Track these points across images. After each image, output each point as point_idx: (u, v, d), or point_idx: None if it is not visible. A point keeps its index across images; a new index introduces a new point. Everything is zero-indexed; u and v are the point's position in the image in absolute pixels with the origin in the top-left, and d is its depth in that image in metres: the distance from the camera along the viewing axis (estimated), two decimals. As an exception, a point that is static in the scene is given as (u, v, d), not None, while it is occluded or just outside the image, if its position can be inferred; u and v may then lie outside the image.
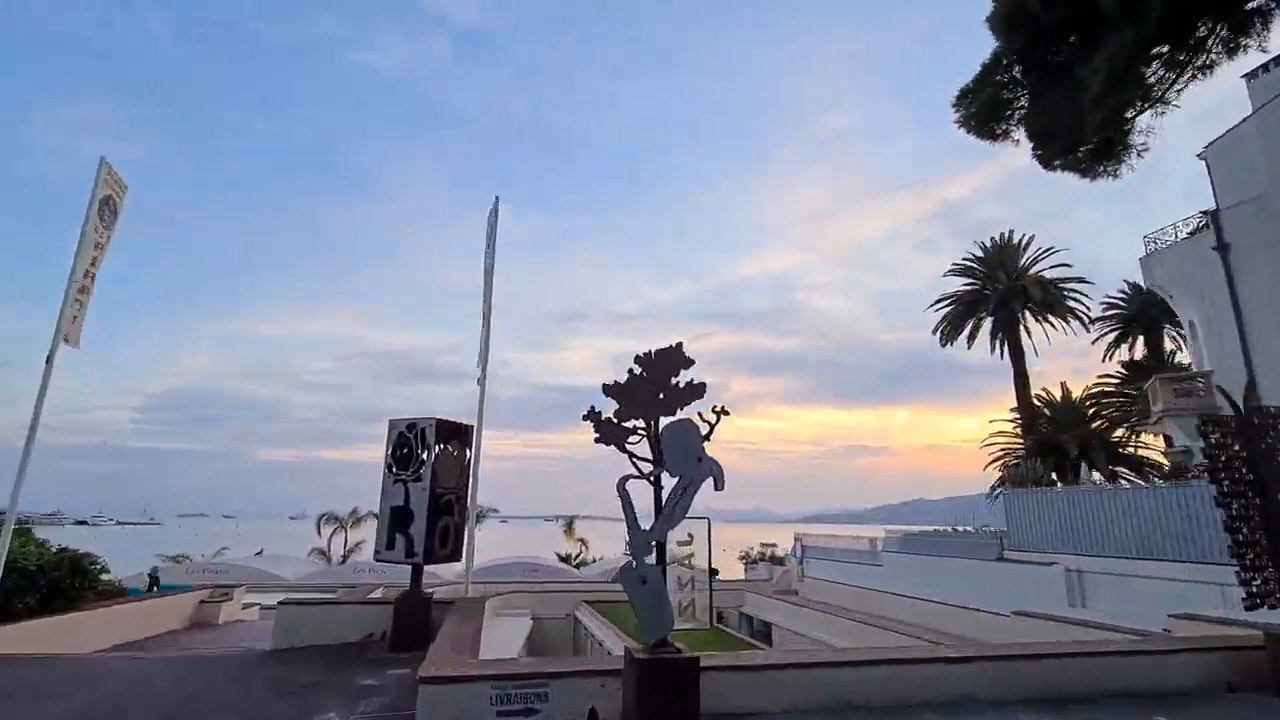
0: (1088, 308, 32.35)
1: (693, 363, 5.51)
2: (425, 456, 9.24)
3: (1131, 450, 31.65)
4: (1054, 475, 17.63)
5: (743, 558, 35.32)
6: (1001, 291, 31.67)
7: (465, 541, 9.85)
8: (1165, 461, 30.85)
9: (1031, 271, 32.26)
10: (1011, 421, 34.33)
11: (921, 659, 5.98)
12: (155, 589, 18.55)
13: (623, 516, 5.12)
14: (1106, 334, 36.88)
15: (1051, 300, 31.07)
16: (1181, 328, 34.51)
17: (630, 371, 5.46)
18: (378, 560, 9.29)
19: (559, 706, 5.23)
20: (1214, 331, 16.80)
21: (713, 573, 5.12)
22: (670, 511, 5.16)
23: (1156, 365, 34.95)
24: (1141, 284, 35.76)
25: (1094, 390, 34.18)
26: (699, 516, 4.97)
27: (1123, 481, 28.13)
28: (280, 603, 10.07)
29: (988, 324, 33.38)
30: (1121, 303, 35.91)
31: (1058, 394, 33.82)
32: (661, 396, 5.44)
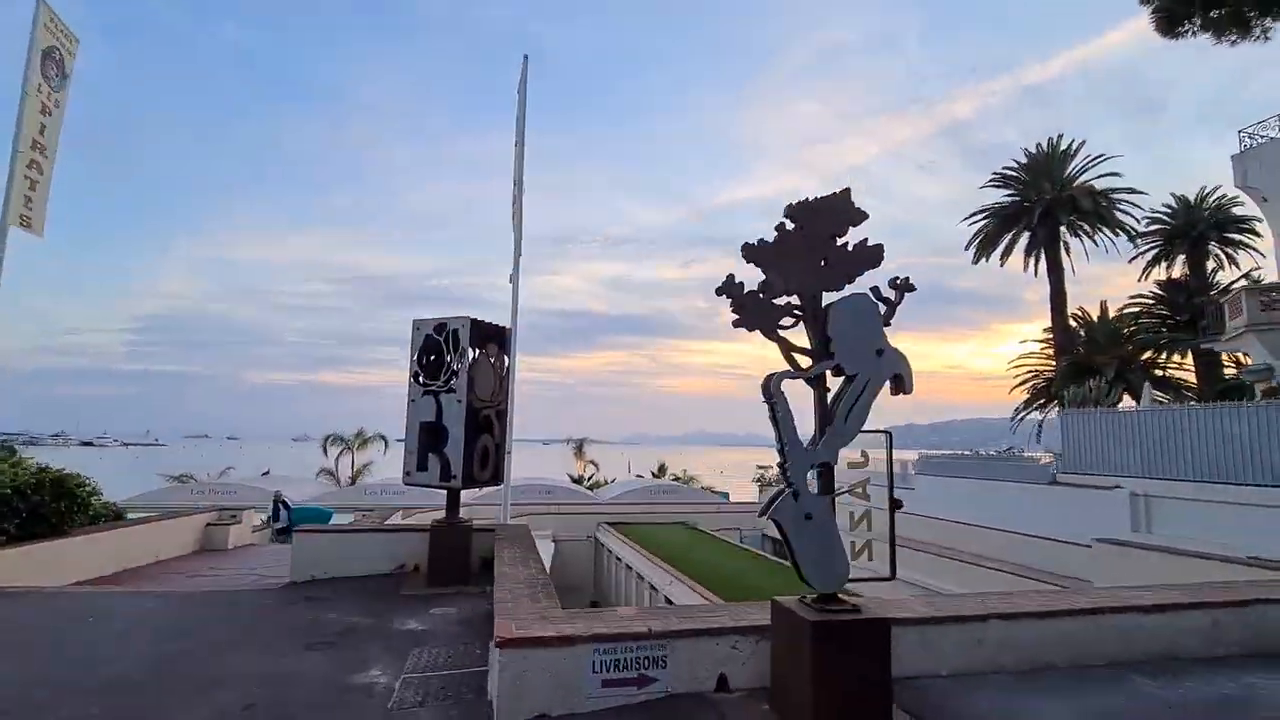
0: (1138, 220, 30.31)
1: (865, 216, 3.89)
2: (458, 364, 7.73)
3: (1163, 372, 30.55)
4: (1125, 395, 16.54)
5: (757, 480, 34.84)
6: (1047, 201, 29.49)
7: (505, 463, 8.50)
8: (1193, 382, 29.77)
9: (1079, 181, 29.97)
10: (1042, 342, 33.01)
11: (1123, 608, 4.70)
12: (280, 520, 16.38)
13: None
14: (1146, 251, 35.00)
15: (1103, 211, 28.99)
16: (1235, 243, 32.71)
17: (780, 227, 3.84)
18: (408, 484, 7.95)
19: (676, 674, 3.95)
20: (1315, 238, 15.11)
21: (896, 505, 3.61)
22: (842, 422, 3.69)
23: (1201, 284, 33.38)
24: (1190, 199, 33.69)
25: (1128, 311, 32.71)
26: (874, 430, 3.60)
27: (1159, 403, 27.13)
28: (294, 530, 8.85)
29: (1023, 240, 31.44)
30: (1167, 218, 33.77)
31: (1094, 314, 32.35)
32: (825, 263, 3.85)
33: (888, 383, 3.76)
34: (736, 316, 3.78)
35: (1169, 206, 33.73)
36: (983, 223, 33.05)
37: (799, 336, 3.87)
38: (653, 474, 36.04)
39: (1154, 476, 14.81)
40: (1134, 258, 34.77)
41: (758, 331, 3.80)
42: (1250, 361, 16.64)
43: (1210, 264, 33.85)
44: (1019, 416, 32.46)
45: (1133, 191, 29.12)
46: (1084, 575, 11.93)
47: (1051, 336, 31.30)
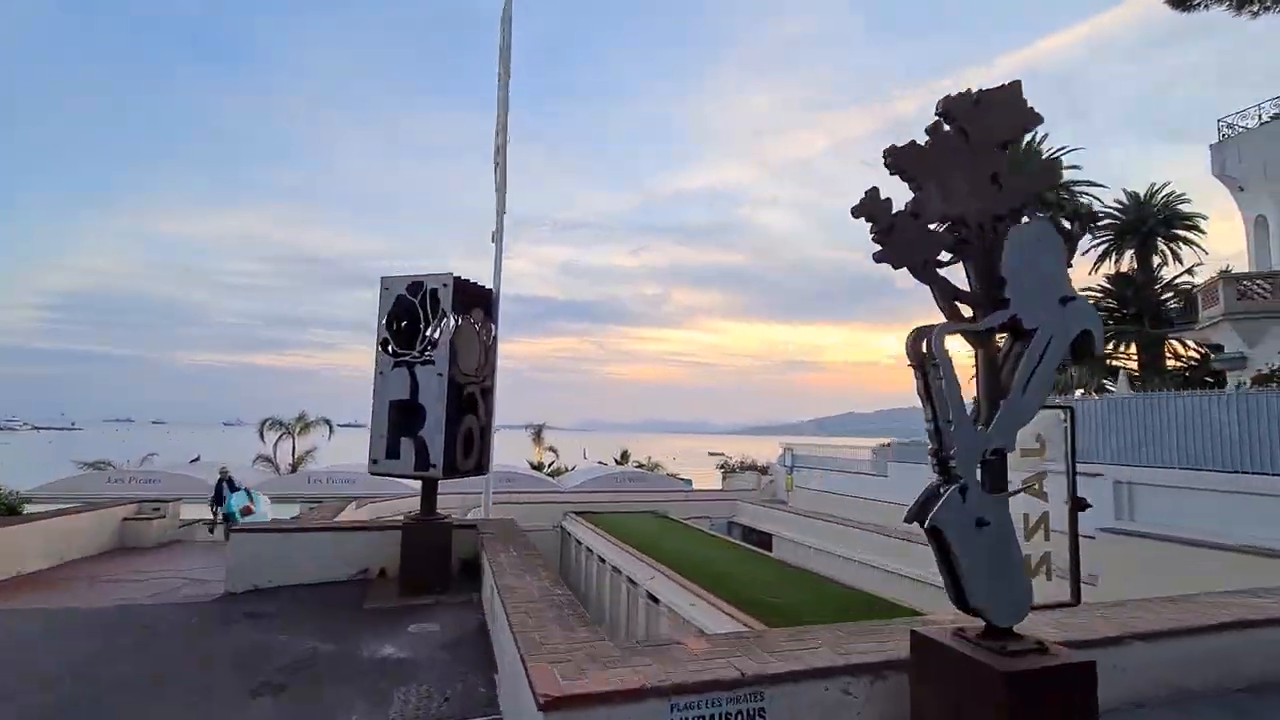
0: (1097, 214, 30.90)
1: (1040, 119, 2.89)
2: (437, 331, 6.47)
3: (1114, 362, 31.40)
4: (1105, 383, 16.59)
5: (721, 467, 34.30)
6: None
7: (490, 448, 7.29)
8: (1134, 371, 30.79)
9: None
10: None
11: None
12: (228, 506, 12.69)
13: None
14: (1098, 245, 35.93)
15: (1065, 203, 29.37)
16: (1181, 239, 33.85)
17: (934, 128, 2.80)
18: (375, 473, 6.65)
19: (776, 727, 2.93)
20: (1291, 228, 15.26)
21: (1081, 505, 2.63)
22: (1020, 394, 2.71)
23: (1148, 278, 34.51)
24: (1140, 196, 34.68)
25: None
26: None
27: (1111, 392, 27.84)
28: (232, 529, 7.40)
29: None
30: (1118, 214, 34.67)
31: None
32: (995, 179, 2.83)
33: (1079, 338, 2.78)
34: (879, 247, 2.73)
35: (1120, 203, 34.62)
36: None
37: (959, 276, 2.86)
38: (615, 461, 35.04)
39: (1137, 464, 14.72)
40: (1087, 251, 35.68)
41: (904, 268, 2.76)
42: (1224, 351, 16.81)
43: (1156, 259, 35.01)
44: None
45: (1092, 184, 29.61)
46: (1087, 568, 11.60)
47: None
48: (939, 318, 2.83)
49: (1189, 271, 34.32)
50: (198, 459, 25.46)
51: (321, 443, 34.46)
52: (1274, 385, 13.23)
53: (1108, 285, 34.28)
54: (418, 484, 6.94)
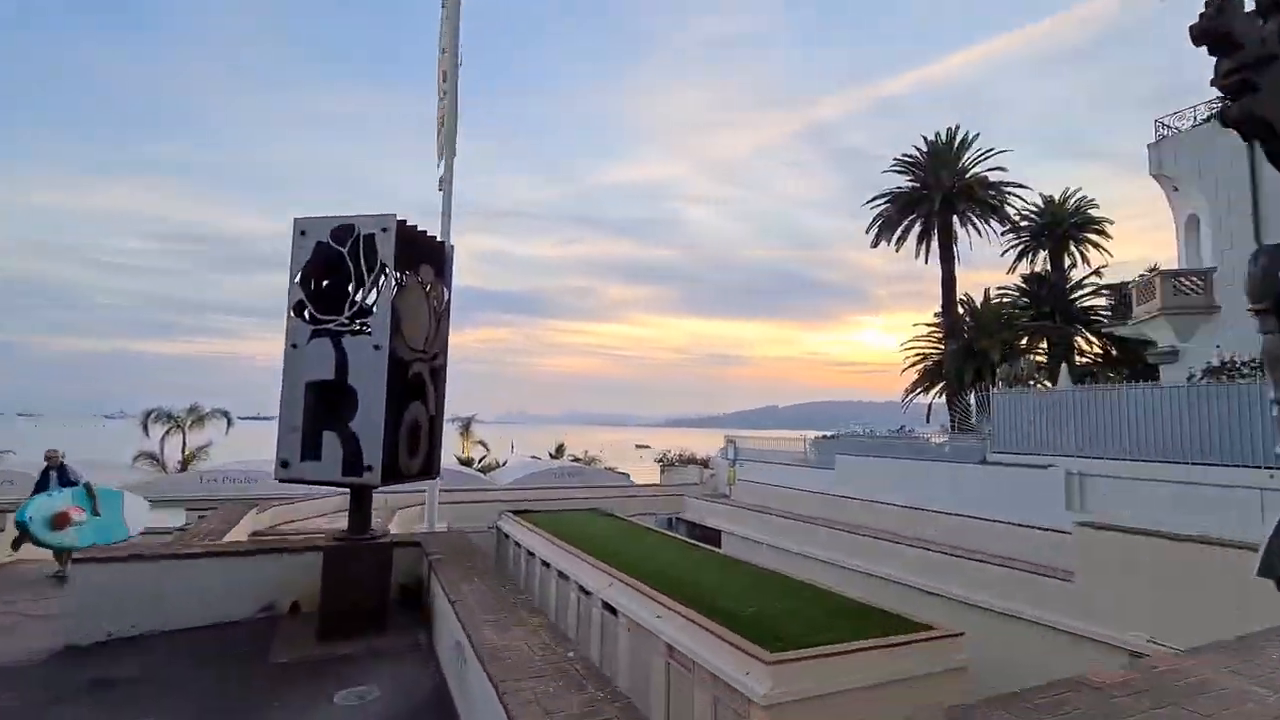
0: (1018, 212, 32.14)
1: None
2: (372, 294, 4.91)
3: (1033, 356, 32.91)
4: (1067, 375, 16.91)
5: (660, 460, 33.42)
6: (947, 189, 30.33)
7: (439, 445, 5.79)
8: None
9: (972, 172, 31.15)
10: (931, 326, 34.30)
11: None
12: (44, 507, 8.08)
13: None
14: (1017, 245, 37.66)
15: (993, 202, 30.31)
16: (1091, 242, 35.84)
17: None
18: (285, 479, 4.99)
19: None
20: (1222, 227, 15.82)
21: None
22: None
23: (1060, 277, 36.44)
24: (1055, 199, 36.46)
25: (995, 300, 34.93)
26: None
27: (1040, 386, 29.05)
28: (71, 558, 5.53)
29: (918, 225, 32.37)
30: (1035, 216, 36.35)
31: (977, 301, 34.09)
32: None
33: None
34: (1229, 103, 1.57)
35: (1036, 206, 36.29)
36: (883, 206, 33.64)
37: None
38: (550, 455, 33.45)
39: (1087, 455, 14.82)
40: (1006, 251, 37.29)
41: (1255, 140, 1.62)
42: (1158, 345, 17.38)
43: (1066, 260, 36.97)
44: (909, 398, 33.62)
45: (1019, 185, 30.69)
46: (1062, 565, 11.27)
47: (940, 321, 32.52)
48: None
49: (1096, 273, 36.50)
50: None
51: (218, 438, 30.89)
52: (1224, 378, 13.51)
53: (1022, 284, 35.92)
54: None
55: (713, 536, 20.41)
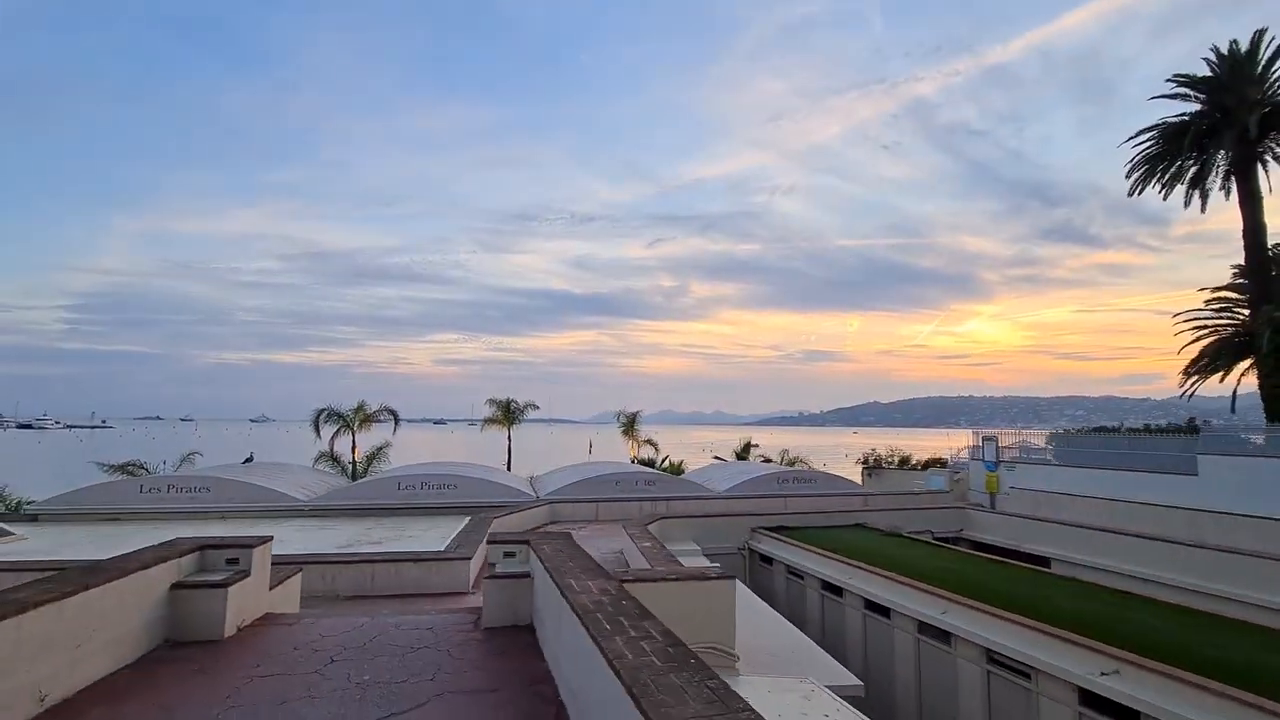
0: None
1: None
2: None
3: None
4: None
5: (863, 462, 28.45)
6: (1250, 111, 23.35)
7: None
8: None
9: (1286, 88, 23.88)
10: (1222, 292, 27.02)
11: None
12: None
13: None
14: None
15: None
16: None
17: None
18: None
19: None
20: None
21: None
22: None
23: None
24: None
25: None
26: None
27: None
28: None
29: (1216, 160, 25.38)
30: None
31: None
32: None
33: None
34: None
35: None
36: (1148, 145, 26.94)
37: None
38: (737, 455, 29.30)
39: None
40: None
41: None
42: None
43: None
44: (1191, 383, 26.57)
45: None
46: None
47: (1243, 283, 25.38)
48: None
49: None
50: (251, 459, 20.17)
51: (385, 437, 29.14)
52: None
53: None
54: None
55: (1041, 563, 15.38)
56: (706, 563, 12.96)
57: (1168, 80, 26.28)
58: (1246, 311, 25.09)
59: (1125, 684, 6.95)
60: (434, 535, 12.61)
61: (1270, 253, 24.65)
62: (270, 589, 6.75)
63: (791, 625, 8.97)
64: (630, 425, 32.75)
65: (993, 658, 8.66)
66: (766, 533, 15.36)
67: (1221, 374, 26.02)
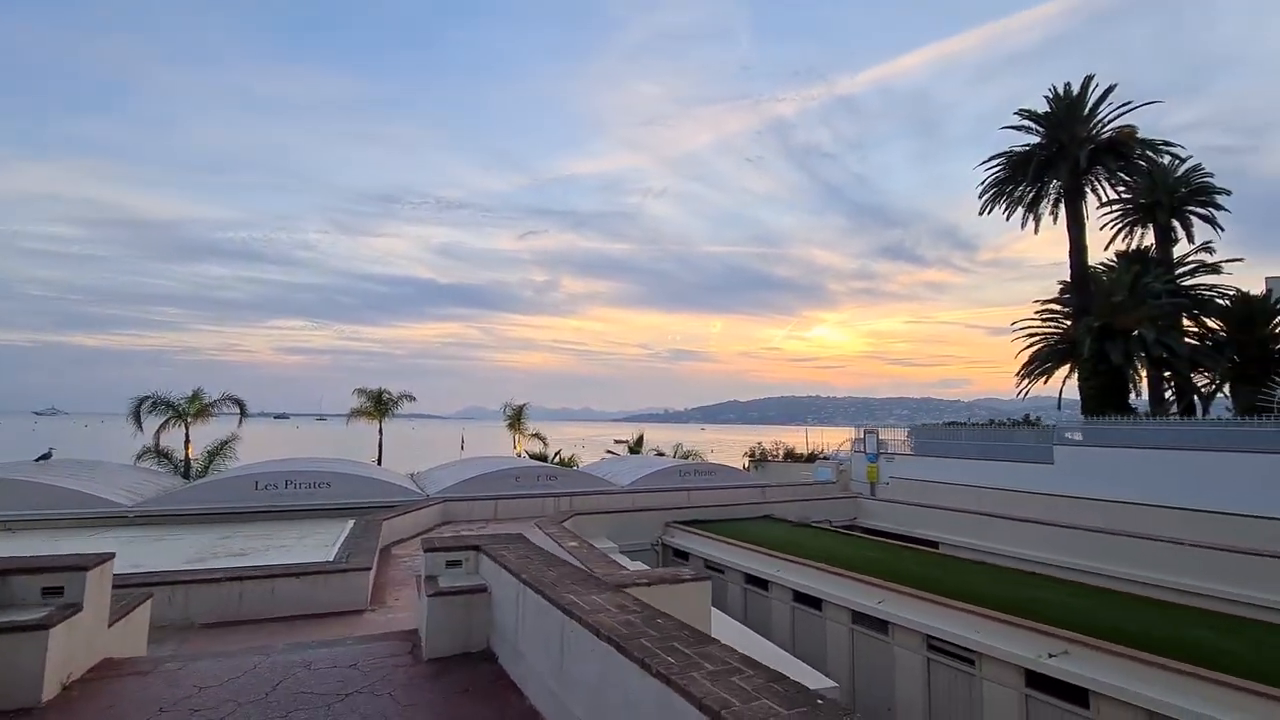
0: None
1: None
2: None
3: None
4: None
5: (751, 455, 29.09)
6: (1087, 145, 26.79)
7: None
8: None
9: (1108, 128, 27.68)
10: (1047, 304, 30.83)
11: None
12: None
13: None
14: (1113, 221, 34.58)
15: (1145, 161, 26.95)
16: (1204, 217, 32.84)
17: None
18: None
19: None
20: None
21: None
22: None
23: (1164, 257, 33.41)
24: (1163, 171, 33.32)
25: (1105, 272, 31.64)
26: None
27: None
28: None
29: (1048, 187, 28.86)
30: (1140, 188, 33.18)
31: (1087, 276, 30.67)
32: None
33: None
34: None
35: (1135, 179, 33.12)
36: (997, 170, 30.09)
37: None
38: (629, 449, 28.68)
39: None
40: (1109, 223, 34.21)
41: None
42: None
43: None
44: (1025, 384, 30.08)
45: (1167, 144, 27.34)
46: None
47: (1067, 298, 29.10)
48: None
49: (1206, 249, 33.64)
50: (49, 455, 16.26)
51: (225, 430, 25.13)
52: None
53: (1114, 262, 32.86)
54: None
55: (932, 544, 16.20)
56: (626, 560, 12.15)
57: (1015, 113, 29.50)
58: (1069, 322, 28.82)
59: (1073, 664, 7.09)
60: (312, 543, 10.65)
61: (1091, 270, 28.46)
62: (109, 624, 4.94)
63: (743, 625, 8.39)
64: (517, 418, 31.07)
65: (933, 644, 8.66)
66: (680, 526, 14.85)
67: (1045, 377, 29.78)
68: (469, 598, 5.06)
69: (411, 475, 20.05)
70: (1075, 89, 28.49)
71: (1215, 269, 32.37)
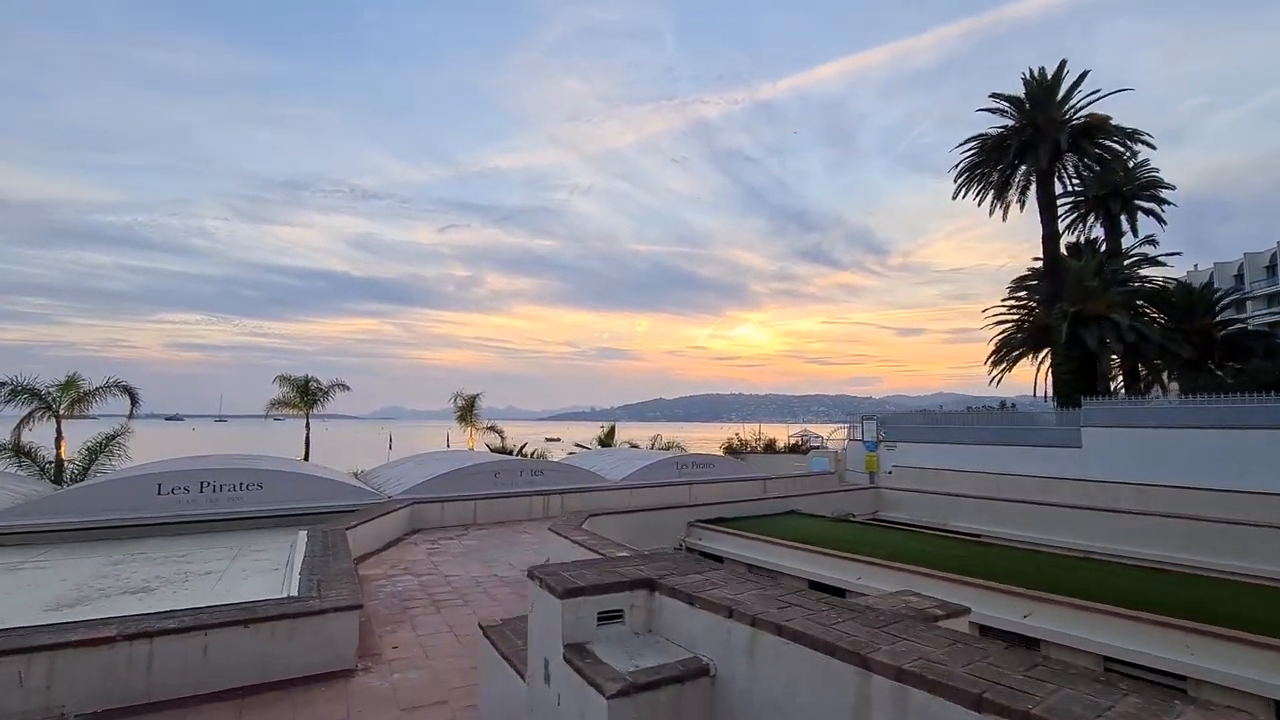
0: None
1: None
2: None
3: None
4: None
5: (727, 445, 27.14)
6: (1055, 131, 26.48)
7: None
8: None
9: (1083, 114, 27.55)
10: (1019, 291, 30.64)
11: None
12: None
13: None
14: (1064, 213, 35.12)
15: (1120, 149, 26.93)
16: (1149, 211, 33.75)
17: None
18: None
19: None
20: None
21: None
22: None
23: (1113, 249, 34.20)
24: (1117, 167, 34.06)
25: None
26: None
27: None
28: None
29: (1019, 173, 28.54)
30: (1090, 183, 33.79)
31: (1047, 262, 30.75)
32: None
33: None
34: None
35: (1099, 169, 33.75)
36: (972, 154, 29.53)
37: None
38: (600, 442, 25.98)
39: None
40: (1063, 213, 34.63)
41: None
42: None
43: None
44: (998, 371, 29.72)
45: (1136, 134, 27.46)
46: None
47: (1037, 284, 28.91)
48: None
49: (1150, 241, 34.71)
50: None
51: (113, 425, 20.59)
52: None
53: (1064, 256, 33.34)
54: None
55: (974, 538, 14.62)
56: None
57: (990, 96, 28.99)
58: (1038, 309, 28.62)
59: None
60: (250, 566, 7.54)
61: (1064, 254, 28.34)
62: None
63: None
64: (469, 410, 27.74)
65: (1111, 668, 6.73)
66: (705, 526, 12.52)
67: (1012, 365, 29.60)
68: (677, 690, 2.50)
69: (355, 474, 16.71)
70: (1050, 73, 28.30)
71: (1158, 262, 33.53)
